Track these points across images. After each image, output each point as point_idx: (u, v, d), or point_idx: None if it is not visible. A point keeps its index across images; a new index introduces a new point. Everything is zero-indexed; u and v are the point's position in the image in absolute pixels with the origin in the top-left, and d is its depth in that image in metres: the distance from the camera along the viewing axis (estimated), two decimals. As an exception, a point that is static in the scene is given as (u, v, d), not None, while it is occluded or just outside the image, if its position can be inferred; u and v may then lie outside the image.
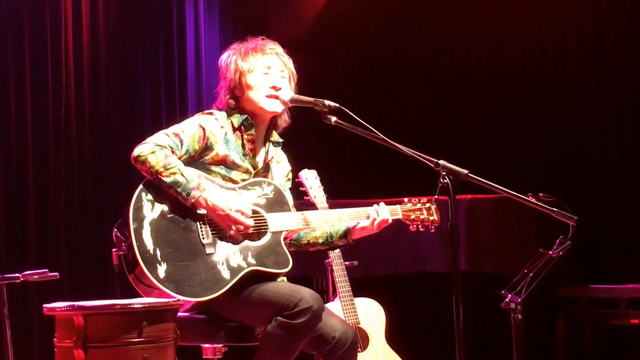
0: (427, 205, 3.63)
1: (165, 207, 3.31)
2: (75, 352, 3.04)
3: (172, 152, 3.33)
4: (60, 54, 5.25)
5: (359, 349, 4.42)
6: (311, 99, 3.41)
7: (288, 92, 3.52)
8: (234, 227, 3.35)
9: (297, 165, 4.11)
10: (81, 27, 5.37)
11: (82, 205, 5.31)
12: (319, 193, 4.33)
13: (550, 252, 3.35)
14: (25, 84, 5.12)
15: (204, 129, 3.42)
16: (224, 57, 3.60)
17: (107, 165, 5.43)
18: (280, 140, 3.64)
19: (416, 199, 3.63)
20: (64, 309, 3.11)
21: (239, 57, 3.53)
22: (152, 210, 3.29)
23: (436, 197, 3.07)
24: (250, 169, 3.52)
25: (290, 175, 3.74)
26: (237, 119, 3.51)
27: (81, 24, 5.37)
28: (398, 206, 3.61)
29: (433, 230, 3.64)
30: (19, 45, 5.11)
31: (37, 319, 4.94)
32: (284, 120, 3.62)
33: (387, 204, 3.60)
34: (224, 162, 3.45)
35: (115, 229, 3.31)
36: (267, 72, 3.52)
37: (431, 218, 3.62)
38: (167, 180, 3.28)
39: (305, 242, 3.66)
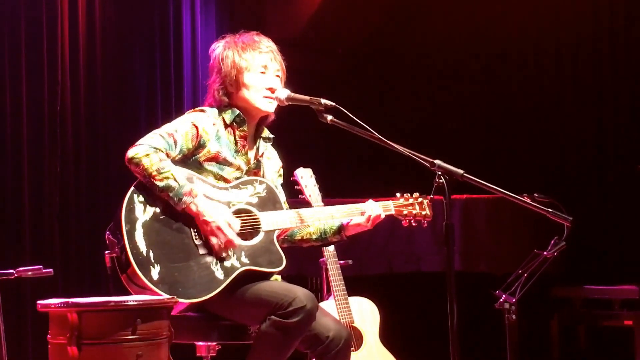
0: (420, 200, 3.62)
1: (157, 209, 3.30)
2: (69, 348, 3.03)
3: (167, 154, 3.32)
4: (56, 49, 5.24)
5: (353, 348, 4.42)
6: (307, 98, 3.41)
7: (283, 90, 3.51)
8: (221, 238, 3.32)
9: (292, 163, 4.11)
10: (77, 23, 5.36)
11: (77, 202, 5.30)
12: (314, 192, 4.33)
13: (545, 253, 3.35)
14: (21, 80, 5.11)
15: (196, 127, 3.41)
16: (217, 50, 3.58)
17: (102, 161, 5.42)
18: (271, 136, 3.64)
19: (408, 194, 3.63)
20: (58, 306, 3.10)
21: (236, 53, 3.52)
22: (144, 212, 3.28)
23: (431, 196, 3.07)
24: (242, 165, 3.52)
25: (282, 172, 3.73)
26: (228, 115, 3.50)
27: (77, 19, 5.36)
28: (390, 202, 3.61)
29: (426, 225, 3.64)
30: (15, 41, 5.10)
31: (31, 316, 4.93)
32: (270, 116, 3.61)
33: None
34: (216, 159, 3.44)
35: (107, 232, 3.31)
36: (263, 72, 3.51)
37: (423, 213, 3.62)
38: (160, 184, 3.27)
39: (299, 238, 3.66)
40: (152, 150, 3.29)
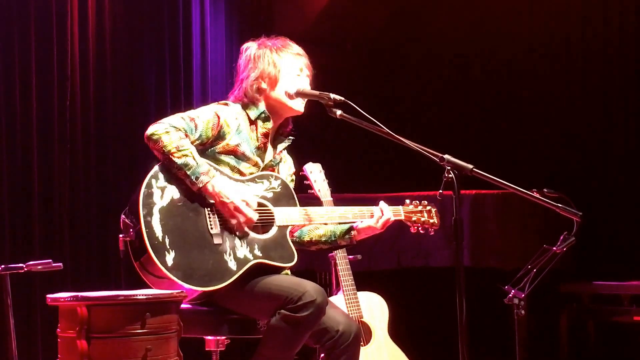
0: (428, 207, 3.68)
1: (175, 195, 3.31)
2: (78, 342, 3.04)
3: (186, 135, 3.34)
4: (65, 44, 5.25)
5: (362, 343, 4.42)
6: (316, 92, 3.42)
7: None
8: (240, 218, 3.34)
9: (301, 158, 4.12)
10: (87, 17, 5.37)
11: (86, 196, 5.31)
12: (323, 186, 4.33)
13: (554, 248, 3.34)
14: (31, 75, 5.12)
15: (219, 117, 3.43)
16: (252, 48, 3.59)
17: (112, 156, 5.43)
18: (291, 137, 3.66)
19: (417, 201, 3.66)
20: (67, 300, 3.11)
21: (274, 52, 3.55)
22: (161, 197, 3.29)
23: (440, 191, 3.07)
24: (260, 162, 3.53)
25: (294, 177, 3.76)
26: (253, 112, 3.52)
27: (87, 14, 5.37)
28: (400, 207, 3.64)
29: (432, 233, 3.68)
30: (24, 36, 5.11)
31: (41, 309, 4.95)
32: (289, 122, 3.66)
33: (391, 198, 3.62)
34: (234, 152, 3.46)
35: (123, 215, 3.31)
36: (299, 74, 3.55)
37: (431, 221, 3.67)
38: (178, 161, 3.28)
39: (308, 239, 3.67)
40: (172, 129, 3.30)
